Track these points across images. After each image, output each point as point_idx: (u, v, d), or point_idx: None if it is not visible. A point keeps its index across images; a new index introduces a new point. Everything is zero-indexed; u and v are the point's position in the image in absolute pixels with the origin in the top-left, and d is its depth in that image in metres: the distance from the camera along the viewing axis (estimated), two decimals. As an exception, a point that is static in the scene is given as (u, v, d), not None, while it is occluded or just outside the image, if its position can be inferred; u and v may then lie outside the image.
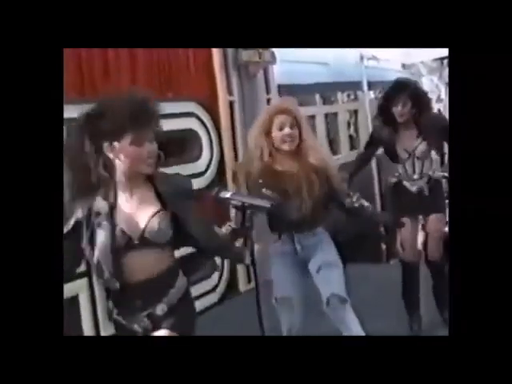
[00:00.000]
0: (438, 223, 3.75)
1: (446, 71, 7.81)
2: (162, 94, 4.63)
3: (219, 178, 4.83)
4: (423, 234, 3.91)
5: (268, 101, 5.52)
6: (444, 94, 8.04)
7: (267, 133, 2.64)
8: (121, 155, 1.86)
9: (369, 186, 7.22)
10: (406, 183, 3.76)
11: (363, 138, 7.30)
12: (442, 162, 3.75)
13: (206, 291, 4.87)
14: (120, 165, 1.87)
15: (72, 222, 1.86)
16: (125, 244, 1.87)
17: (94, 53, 3.93)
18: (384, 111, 3.73)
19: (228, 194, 2.03)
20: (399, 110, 3.61)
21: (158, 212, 1.89)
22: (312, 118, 6.73)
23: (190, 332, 1.95)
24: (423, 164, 3.70)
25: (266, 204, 2.05)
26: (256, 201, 2.07)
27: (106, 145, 1.85)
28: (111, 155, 1.86)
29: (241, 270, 5.07)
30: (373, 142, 3.97)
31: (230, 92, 5.14)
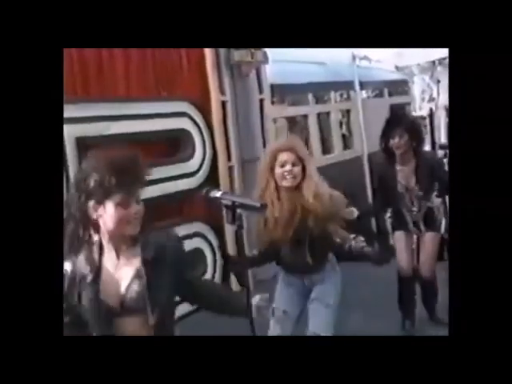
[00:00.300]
0: (432, 241, 3.82)
1: (438, 70, 7.86)
2: (155, 94, 4.63)
3: (212, 178, 4.83)
4: (416, 250, 3.95)
5: (261, 101, 5.53)
6: (436, 93, 8.08)
7: (271, 169, 2.69)
8: (106, 216, 1.80)
9: (361, 180, 7.26)
10: (404, 212, 3.82)
11: (356, 137, 7.33)
12: (441, 194, 3.83)
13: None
14: (105, 225, 1.81)
15: (65, 278, 1.82)
16: (107, 312, 1.81)
17: (87, 52, 3.93)
18: (383, 145, 3.81)
19: (218, 194, 2.04)
20: (396, 142, 3.68)
21: (138, 277, 1.83)
22: (305, 117, 6.74)
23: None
24: (421, 197, 3.79)
25: (256, 203, 2.08)
26: (246, 200, 2.08)
27: (91, 204, 1.79)
28: (95, 215, 1.80)
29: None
30: (380, 185, 4.03)
31: (222, 92, 5.15)
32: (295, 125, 7.04)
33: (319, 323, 2.69)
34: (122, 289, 1.83)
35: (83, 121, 3.83)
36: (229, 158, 5.19)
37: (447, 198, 3.75)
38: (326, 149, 6.87)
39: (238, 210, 1.96)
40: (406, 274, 3.80)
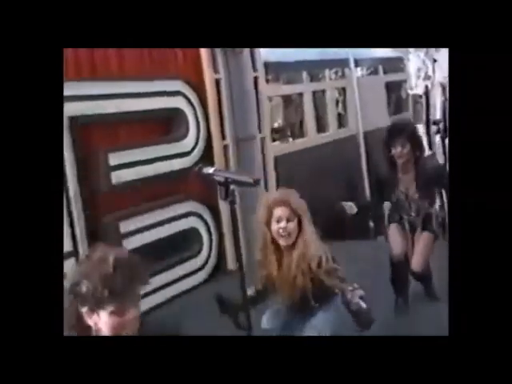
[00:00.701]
0: (427, 240, 3.83)
1: (433, 48, 7.80)
2: (150, 73, 4.59)
3: (206, 157, 4.82)
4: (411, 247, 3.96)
5: (255, 79, 5.49)
6: (431, 70, 8.04)
7: (267, 223, 2.69)
8: (100, 323, 1.68)
9: (356, 159, 7.25)
10: (403, 215, 3.86)
11: (351, 116, 7.30)
12: (442, 203, 3.85)
13: (193, 269, 4.90)
14: (100, 331, 1.71)
15: None
16: None
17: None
18: (385, 154, 3.81)
19: (211, 170, 2.05)
20: (398, 151, 3.69)
21: None
22: (300, 95, 6.71)
23: None
24: (419, 204, 3.81)
25: (249, 179, 2.08)
26: (238, 176, 2.09)
27: (84, 310, 1.68)
28: (89, 322, 1.69)
29: (229, 248, 5.09)
30: (379, 188, 4.07)
31: (216, 70, 5.11)
32: (290, 103, 7.02)
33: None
34: None
35: (76, 99, 3.80)
36: (223, 137, 5.18)
37: (446, 204, 3.80)
38: (321, 127, 6.87)
39: (232, 186, 1.97)
40: (399, 259, 3.83)
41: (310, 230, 2.67)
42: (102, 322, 1.68)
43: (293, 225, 2.65)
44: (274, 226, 2.66)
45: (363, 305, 2.63)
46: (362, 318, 2.64)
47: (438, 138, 5.98)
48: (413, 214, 3.83)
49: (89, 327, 1.70)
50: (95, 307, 1.66)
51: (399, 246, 3.82)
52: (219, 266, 5.08)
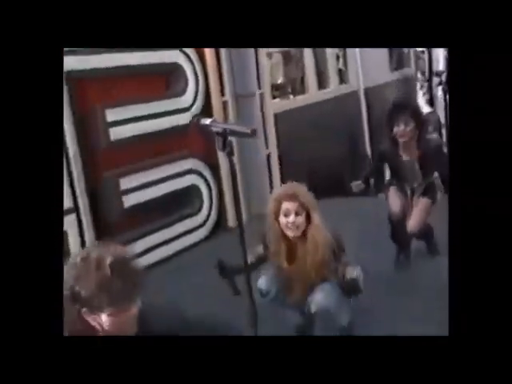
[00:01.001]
0: (425, 205, 3.81)
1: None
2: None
3: (205, 113, 4.76)
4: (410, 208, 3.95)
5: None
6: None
7: (276, 217, 2.73)
8: (100, 322, 1.68)
9: (357, 116, 7.18)
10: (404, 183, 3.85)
11: (352, 72, 7.19)
12: (443, 182, 3.79)
13: (194, 226, 4.91)
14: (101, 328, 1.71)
15: None
16: None
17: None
18: (387, 133, 3.73)
19: (208, 121, 2.05)
20: (401, 129, 3.60)
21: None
22: (300, 51, 6.59)
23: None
24: (421, 177, 3.79)
25: (246, 130, 2.08)
26: (236, 127, 2.11)
27: (83, 310, 1.67)
28: (90, 320, 1.68)
29: (230, 206, 5.09)
30: (381, 160, 4.01)
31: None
32: (290, 60, 6.90)
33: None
34: None
35: (71, 53, 3.72)
36: (222, 92, 5.11)
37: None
38: (322, 83, 6.77)
39: (229, 137, 1.98)
40: (397, 218, 3.82)
41: (318, 222, 2.71)
42: (102, 321, 1.67)
43: (301, 219, 2.69)
44: (283, 220, 2.70)
45: (354, 274, 2.66)
46: (350, 288, 2.68)
47: (440, 92, 5.90)
48: (415, 185, 3.82)
49: (90, 324, 1.69)
50: (95, 310, 1.65)
51: (398, 205, 3.81)
52: (220, 224, 5.09)
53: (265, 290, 2.83)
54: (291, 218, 2.68)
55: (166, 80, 4.74)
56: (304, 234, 2.72)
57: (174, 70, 4.71)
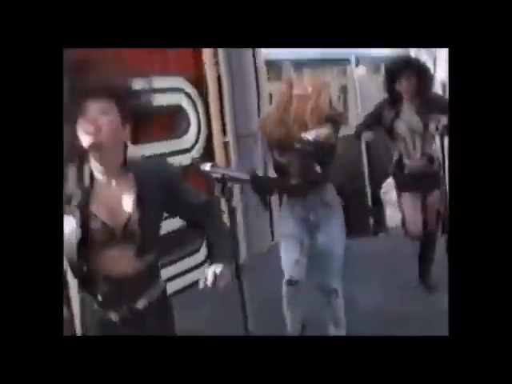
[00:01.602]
0: (434, 199, 3.82)
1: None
2: (150, 67, 4.57)
3: (207, 154, 4.81)
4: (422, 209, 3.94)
5: (256, 75, 5.48)
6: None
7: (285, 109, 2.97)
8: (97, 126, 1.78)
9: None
10: (406, 161, 3.79)
11: (352, 114, 7.27)
12: (442, 140, 3.79)
13: (195, 264, 4.88)
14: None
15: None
16: (105, 238, 1.77)
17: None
18: (388, 87, 3.74)
19: (207, 167, 2.06)
20: (404, 85, 3.62)
21: (140, 202, 1.81)
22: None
23: (171, 332, 1.91)
24: (424, 141, 3.74)
25: (245, 177, 2.12)
26: (235, 173, 2.12)
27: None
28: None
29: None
30: (373, 115, 4.01)
31: (217, 63, 5.10)
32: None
33: (329, 274, 2.99)
34: (124, 214, 1.80)
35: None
36: (224, 133, 5.17)
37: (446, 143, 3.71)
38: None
39: (229, 183, 1.98)
40: (415, 237, 3.80)
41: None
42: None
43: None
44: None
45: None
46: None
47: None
48: (417, 155, 3.77)
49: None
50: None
51: (414, 221, 3.82)
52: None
53: (294, 277, 2.98)
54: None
55: (169, 122, 4.80)
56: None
57: (177, 111, 4.78)
